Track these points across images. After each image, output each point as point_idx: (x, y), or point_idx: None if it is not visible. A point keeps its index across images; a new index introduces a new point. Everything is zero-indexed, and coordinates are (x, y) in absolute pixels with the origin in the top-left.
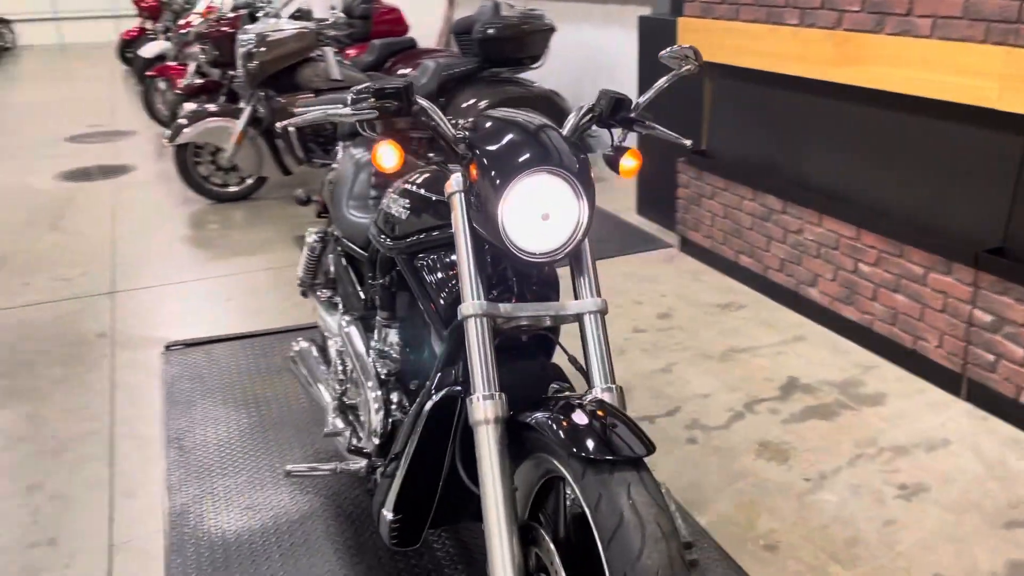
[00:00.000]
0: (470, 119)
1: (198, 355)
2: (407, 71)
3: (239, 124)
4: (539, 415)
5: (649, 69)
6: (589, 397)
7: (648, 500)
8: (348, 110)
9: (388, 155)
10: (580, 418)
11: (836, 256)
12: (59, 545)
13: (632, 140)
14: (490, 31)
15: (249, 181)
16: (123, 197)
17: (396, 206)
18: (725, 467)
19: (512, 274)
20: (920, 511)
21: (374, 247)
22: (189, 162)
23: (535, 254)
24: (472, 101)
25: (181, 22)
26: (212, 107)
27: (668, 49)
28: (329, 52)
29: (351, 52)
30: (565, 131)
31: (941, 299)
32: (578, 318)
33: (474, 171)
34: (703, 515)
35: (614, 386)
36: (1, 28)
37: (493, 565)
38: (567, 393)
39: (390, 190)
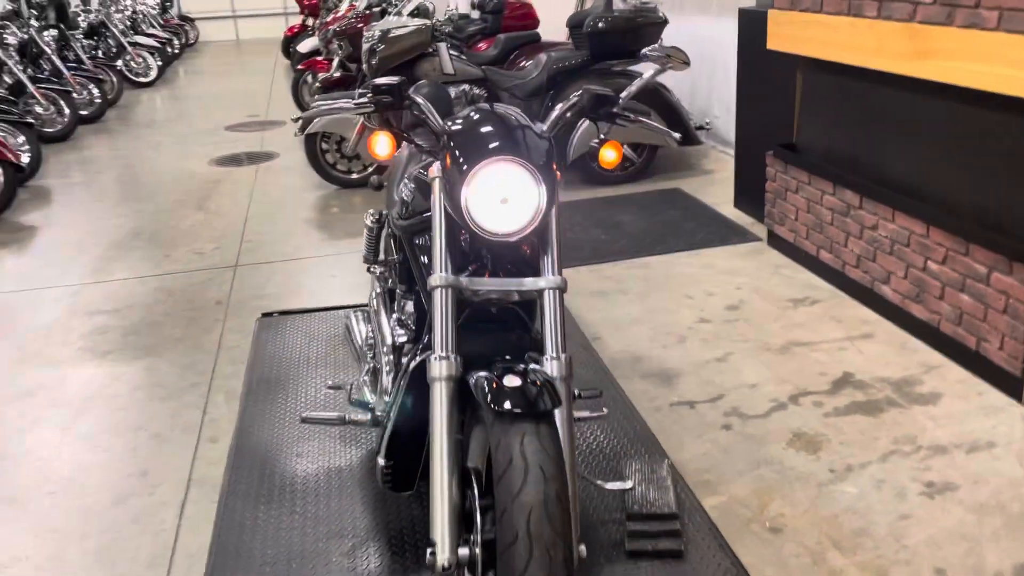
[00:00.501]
0: (459, 114)
1: (288, 323)
2: (527, 64)
3: (362, 116)
4: (480, 374)
5: (748, 61)
6: (532, 366)
7: (538, 447)
8: (352, 104)
9: (381, 144)
10: (510, 380)
11: (907, 253)
12: (148, 476)
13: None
14: (600, 25)
15: (370, 169)
16: (263, 181)
17: (406, 190)
18: (752, 453)
19: (488, 253)
20: (940, 509)
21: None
22: (318, 151)
23: (497, 234)
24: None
25: (328, 19)
26: (341, 100)
27: (651, 47)
28: (443, 48)
29: (481, 46)
30: (547, 124)
31: (1003, 300)
32: (539, 293)
33: (448, 159)
34: (715, 496)
35: (563, 355)
36: (186, 26)
37: (432, 502)
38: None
39: (407, 175)
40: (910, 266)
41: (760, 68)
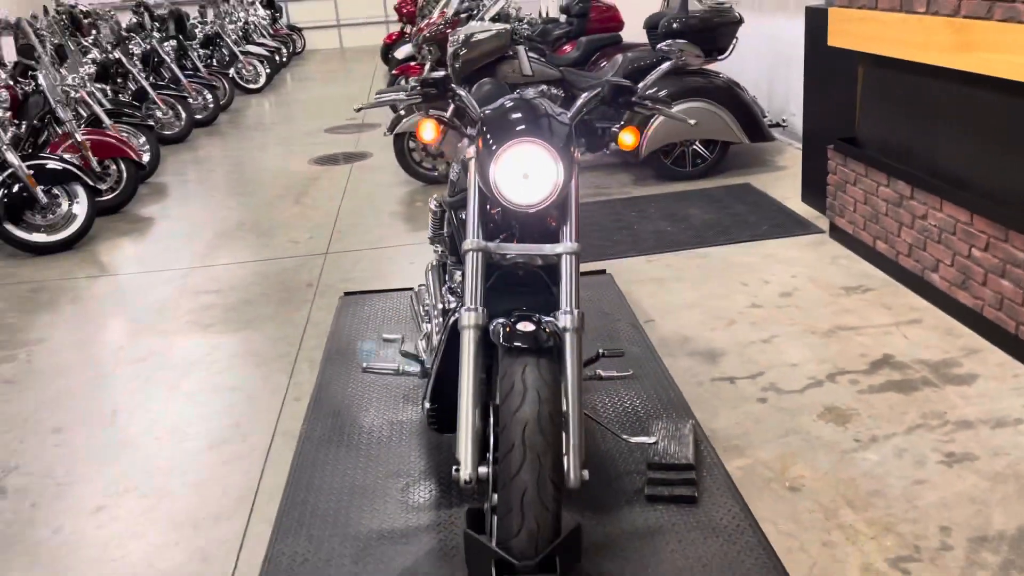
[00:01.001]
0: (494, 103)
1: (367, 302)
2: (605, 65)
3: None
4: (499, 321)
5: (814, 58)
6: (545, 317)
7: (536, 376)
8: (404, 95)
9: (428, 130)
10: (523, 326)
11: (954, 241)
12: (240, 428)
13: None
14: (674, 25)
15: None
16: (355, 178)
17: (454, 172)
18: (783, 423)
19: (516, 223)
20: (956, 476)
21: None
22: (405, 149)
23: (520, 205)
24: (653, 91)
25: (420, 25)
26: None
27: (664, 43)
28: (521, 50)
29: (566, 48)
30: (571, 111)
31: None
32: (558, 257)
33: (480, 141)
34: (741, 459)
35: (575, 311)
36: (294, 35)
37: (459, 429)
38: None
39: (456, 161)
40: (956, 254)
41: (825, 64)
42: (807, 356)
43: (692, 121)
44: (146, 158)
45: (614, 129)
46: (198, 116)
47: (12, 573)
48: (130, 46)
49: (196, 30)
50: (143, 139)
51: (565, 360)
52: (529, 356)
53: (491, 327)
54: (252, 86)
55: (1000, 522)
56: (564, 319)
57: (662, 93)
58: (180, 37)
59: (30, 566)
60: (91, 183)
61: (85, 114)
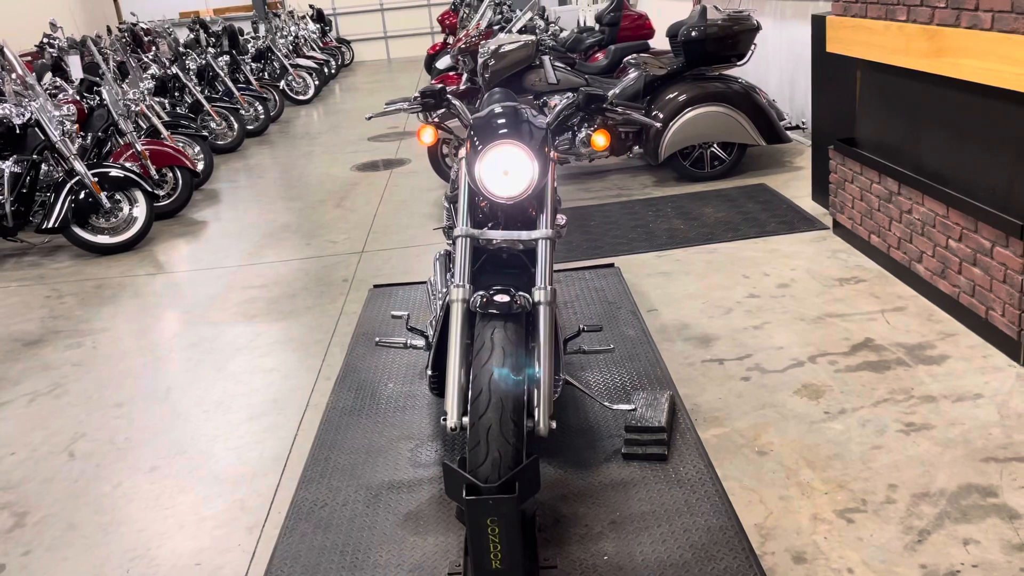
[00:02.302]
0: (484, 110)
1: (394, 294)
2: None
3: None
4: (479, 293)
5: (819, 63)
6: (520, 292)
7: (503, 336)
8: (407, 105)
9: (427, 134)
10: (499, 297)
11: (934, 233)
12: (277, 402)
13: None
14: (692, 34)
15: None
16: (393, 183)
17: (453, 171)
18: (761, 398)
19: (502, 214)
20: (911, 443)
21: None
22: (438, 155)
23: (501, 197)
24: (673, 95)
25: (459, 36)
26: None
27: (633, 56)
28: (547, 60)
29: (597, 56)
30: (550, 117)
31: (1002, 271)
32: (535, 242)
33: (469, 143)
34: (718, 428)
35: (548, 287)
36: (342, 47)
37: (447, 385)
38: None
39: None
40: (936, 245)
41: (829, 69)
42: (793, 340)
43: (658, 124)
44: (200, 166)
45: (588, 132)
46: (249, 127)
47: (80, 517)
48: (186, 62)
49: (249, 45)
50: (197, 148)
51: (539, 329)
52: (498, 320)
53: (472, 298)
54: (301, 97)
55: (943, 481)
56: (538, 294)
57: (682, 98)
58: (233, 52)
59: (95, 513)
60: (150, 189)
61: (144, 126)
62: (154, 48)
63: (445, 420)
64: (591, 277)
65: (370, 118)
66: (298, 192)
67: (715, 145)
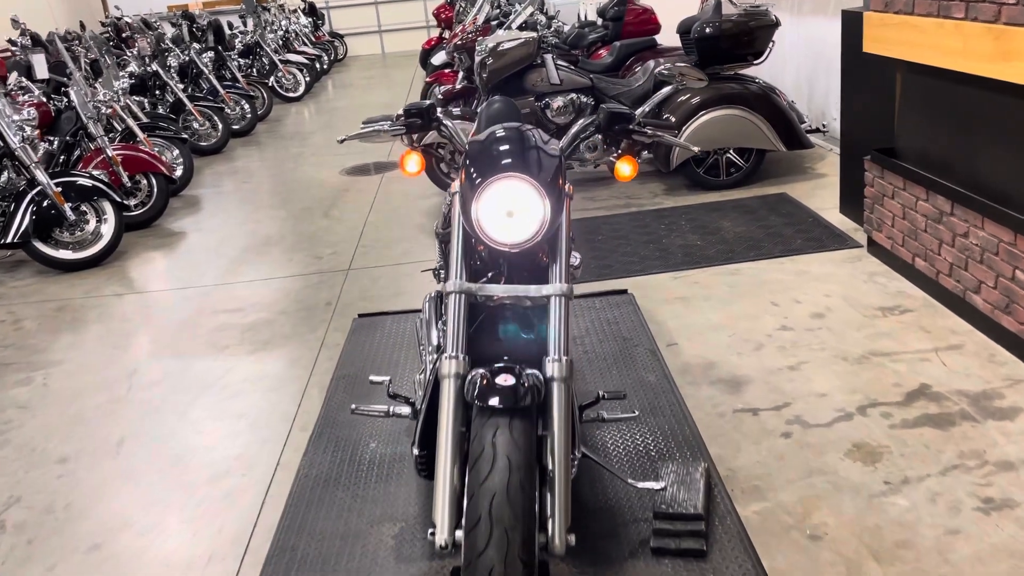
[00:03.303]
0: (481, 133)
1: (381, 325)
2: (637, 69)
3: (473, 126)
4: (478, 371)
5: (851, 63)
6: (528, 370)
7: (508, 439)
8: (388, 125)
9: (411, 163)
10: (502, 379)
11: (996, 262)
12: (242, 459)
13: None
14: (707, 30)
15: None
16: (384, 190)
17: (444, 204)
18: (807, 462)
19: (504, 262)
20: (993, 525)
21: None
22: (433, 160)
23: (504, 244)
24: (685, 97)
25: (454, 32)
26: (456, 111)
27: (664, 66)
28: (549, 59)
29: (601, 53)
30: (563, 142)
31: None
32: (546, 299)
33: (463, 175)
34: (760, 502)
35: (564, 358)
36: (335, 42)
37: (436, 487)
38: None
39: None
40: (999, 275)
41: (863, 70)
42: (837, 385)
43: (696, 149)
44: (179, 172)
45: (611, 159)
46: (235, 127)
47: None
48: (167, 58)
49: (236, 40)
50: (176, 152)
51: (552, 413)
52: (502, 417)
53: (468, 378)
54: (292, 95)
55: None
56: (551, 367)
57: (696, 100)
58: (219, 48)
59: None
60: (119, 200)
61: (119, 128)
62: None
63: (433, 534)
64: (603, 307)
65: (343, 141)
66: (283, 199)
67: (731, 151)
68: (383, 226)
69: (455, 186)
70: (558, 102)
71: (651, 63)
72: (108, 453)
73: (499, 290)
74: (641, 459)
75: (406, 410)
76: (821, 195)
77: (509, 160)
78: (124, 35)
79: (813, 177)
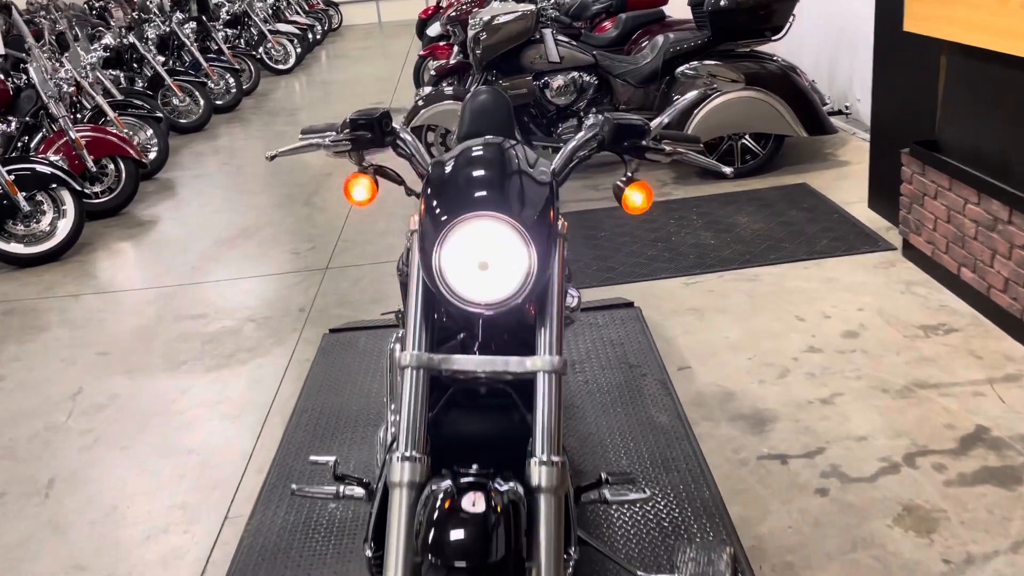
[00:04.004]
0: (448, 153)
1: (354, 341)
2: (645, 46)
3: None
4: (441, 485)
5: (886, 42)
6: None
7: None
8: (329, 141)
9: (358, 189)
10: (469, 502)
11: None
12: (186, 510)
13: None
14: (722, 3)
15: None
16: None
17: (407, 235)
18: (849, 530)
19: (479, 322)
20: None
21: None
22: (424, 143)
23: (478, 304)
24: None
25: (448, 2)
26: (448, 90)
27: (688, 65)
28: (548, 34)
29: (605, 26)
30: (556, 161)
31: None
32: (532, 376)
33: (423, 207)
34: None
35: (556, 459)
36: (330, 10)
37: None
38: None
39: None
40: None
41: (900, 51)
42: (878, 426)
43: (728, 170)
44: (152, 154)
45: (618, 183)
46: (218, 102)
47: None
48: (147, 29)
49: (222, 9)
50: (150, 132)
51: (537, 536)
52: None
53: (426, 492)
54: (281, 67)
55: None
56: (538, 473)
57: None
58: (203, 18)
59: None
60: (79, 188)
61: (89, 106)
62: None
63: None
64: (606, 323)
65: (272, 157)
66: (263, 183)
67: (746, 136)
68: (367, 216)
69: (414, 221)
70: (558, 81)
71: (659, 38)
72: (36, 496)
73: (470, 362)
74: (650, 535)
75: (359, 491)
76: (845, 186)
77: (483, 191)
78: (102, 2)
79: (835, 165)
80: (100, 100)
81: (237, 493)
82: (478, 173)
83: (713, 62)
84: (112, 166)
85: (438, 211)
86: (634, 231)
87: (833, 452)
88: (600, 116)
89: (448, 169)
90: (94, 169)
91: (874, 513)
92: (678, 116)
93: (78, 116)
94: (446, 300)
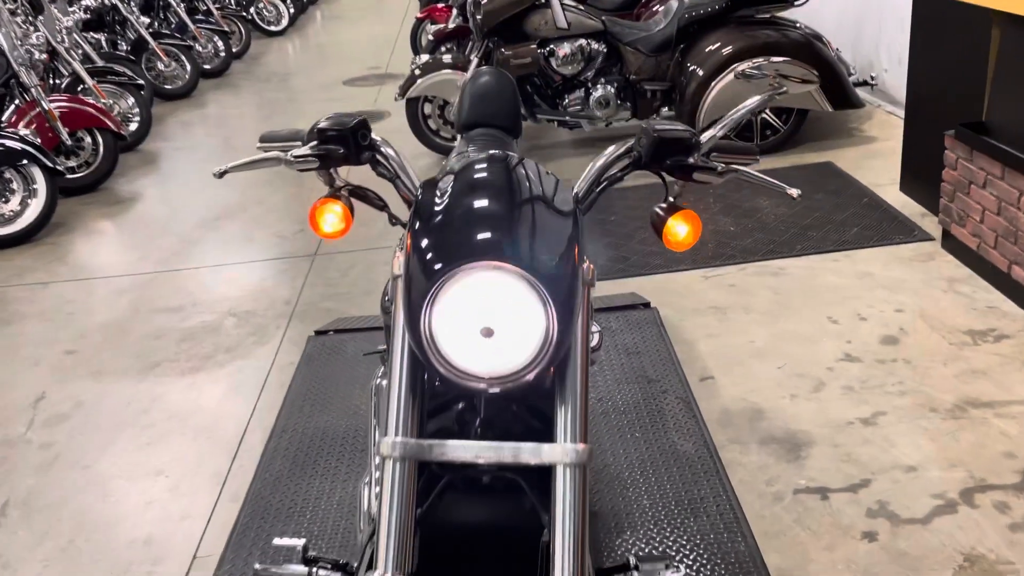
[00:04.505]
0: (442, 172)
1: (342, 345)
2: (659, 10)
3: (466, 77)
4: None
5: (925, 9)
6: None
7: None
8: (293, 157)
9: (328, 219)
10: None
11: None
12: (151, 547)
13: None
14: None
15: None
16: None
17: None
18: None
19: (479, 402)
20: None
21: None
22: (420, 116)
23: (480, 378)
24: (715, 46)
25: None
26: (446, 58)
27: (756, 62)
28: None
29: None
30: (582, 184)
31: None
32: (550, 467)
33: (408, 245)
34: None
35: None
36: None
37: None
38: None
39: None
40: None
41: (942, 19)
42: (928, 453)
43: (795, 193)
44: (133, 125)
45: (657, 211)
46: (207, 66)
47: None
48: None
49: None
50: (132, 100)
51: None
52: None
53: None
54: (273, 28)
55: None
56: None
57: (727, 50)
58: None
59: None
60: (51, 165)
61: (66, 72)
62: None
63: None
64: (620, 327)
65: (222, 174)
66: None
67: (767, 110)
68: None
69: (397, 263)
70: (565, 49)
71: (673, 2)
72: None
73: (469, 450)
74: None
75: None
76: (874, 166)
77: (487, 232)
78: None
79: (862, 142)
80: (77, 66)
81: (208, 526)
82: (480, 204)
83: (781, 59)
84: (89, 139)
85: (428, 256)
86: (644, 213)
87: (880, 486)
88: (641, 125)
89: (442, 198)
90: (69, 142)
91: (931, 563)
92: (732, 125)
93: (56, 83)
94: (437, 372)
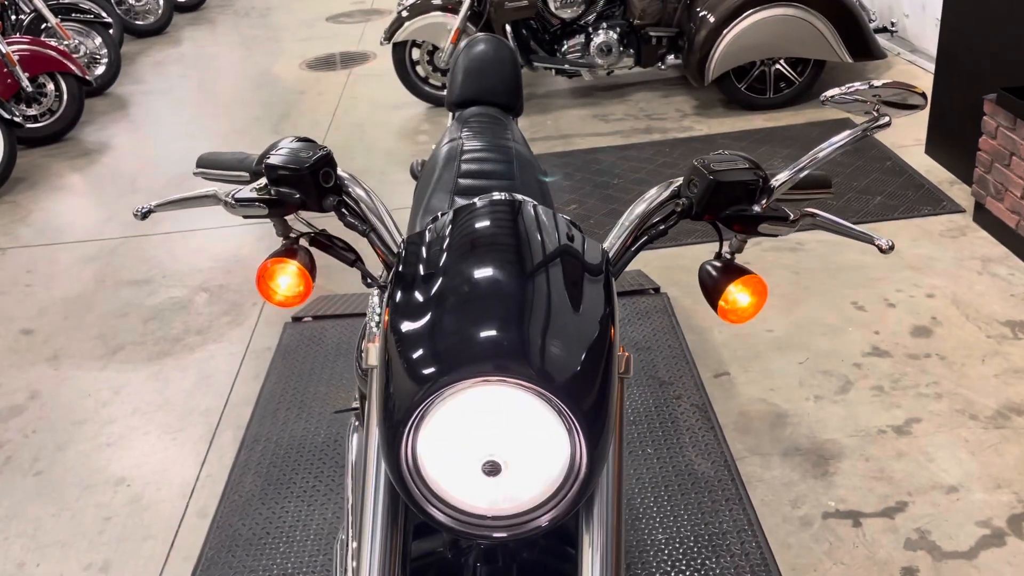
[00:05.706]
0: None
1: (320, 333)
2: None
3: (457, 21)
4: None
5: None
6: None
7: None
8: (233, 198)
9: (284, 281)
10: None
11: None
12: (111, 568)
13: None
14: None
15: None
16: (351, 92)
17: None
18: None
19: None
20: None
21: None
22: (408, 62)
23: (482, 526)
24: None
25: None
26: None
27: (844, 88)
28: None
29: None
30: (614, 237)
31: None
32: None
33: (386, 326)
34: None
35: None
36: None
37: None
38: None
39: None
40: None
41: None
42: (970, 470)
43: (885, 244)
44: (101, 68)
45: (710, 269)
46: (180, 0)
47: None
48: None
49: None
50: (99, 41)
51: None
52: None
53: None
54: None
55: None
56: None
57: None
58: None
59: None
60: (8, 116)
61: (27, 10)
62: None
63: None
64: (628, 316)
65: (146, 215)
66: (227, 102)
67: (781, 61)
68: (344, 151)
69: (372, 352)
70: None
71: None
72: None
73: None
74: None
75: None
76: (896, 123)
77: (492, 328)
78: None
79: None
80: (39, 4)
81: (173, 549)
82: (483, 289)
83: (882, 81)
84: (52, 85)
85: (413, 358)
86: (653, 178)
87: (918, 510)
88: (692, 163)
89: (429, 271)
90: (30, 89)
91: None
92: (804, 168)
93: (18, 19)
94: (424, 515)
